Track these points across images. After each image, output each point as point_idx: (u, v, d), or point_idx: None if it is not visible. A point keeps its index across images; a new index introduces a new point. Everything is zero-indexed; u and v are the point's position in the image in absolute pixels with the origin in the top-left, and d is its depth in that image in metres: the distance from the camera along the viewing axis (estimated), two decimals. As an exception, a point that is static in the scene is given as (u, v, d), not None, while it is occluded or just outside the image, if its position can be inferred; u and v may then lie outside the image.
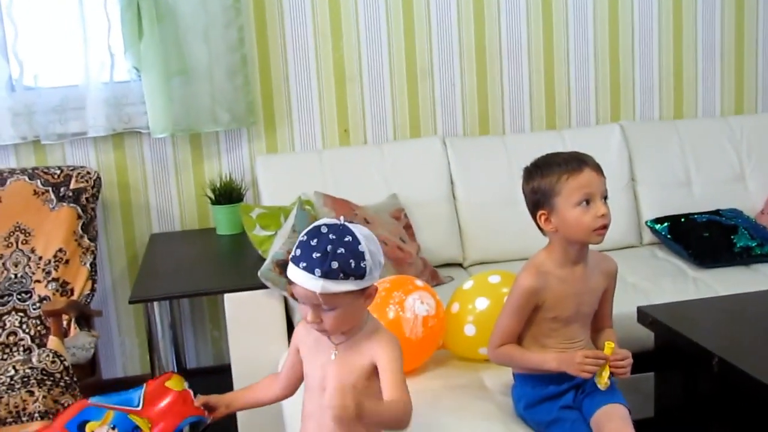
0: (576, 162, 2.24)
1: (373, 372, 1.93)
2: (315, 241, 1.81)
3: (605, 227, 2.23)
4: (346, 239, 1.82)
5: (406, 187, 3.63)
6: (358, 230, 1.85)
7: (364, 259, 1.82)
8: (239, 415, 2.98)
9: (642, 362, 2.65)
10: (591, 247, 2.32)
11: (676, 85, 4.16)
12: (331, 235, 1.82)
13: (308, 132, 3.88)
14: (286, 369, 2.11)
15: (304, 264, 1.80)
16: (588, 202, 2.21)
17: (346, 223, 1.86)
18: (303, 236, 1.84)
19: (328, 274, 1.79)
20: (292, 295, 2.89)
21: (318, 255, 1.79)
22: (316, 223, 1.86)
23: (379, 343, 1.93)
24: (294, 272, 1.83)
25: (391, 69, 3.89)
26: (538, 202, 2.29)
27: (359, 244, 1.83)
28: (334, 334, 1.92)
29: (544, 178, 2.27)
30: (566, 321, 2.31)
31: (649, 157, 3.86)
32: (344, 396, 1.74)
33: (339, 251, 1.80)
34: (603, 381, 2.24)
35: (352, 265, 1.81)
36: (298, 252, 1.83)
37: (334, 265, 1.79)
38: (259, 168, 3.69)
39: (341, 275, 1.80)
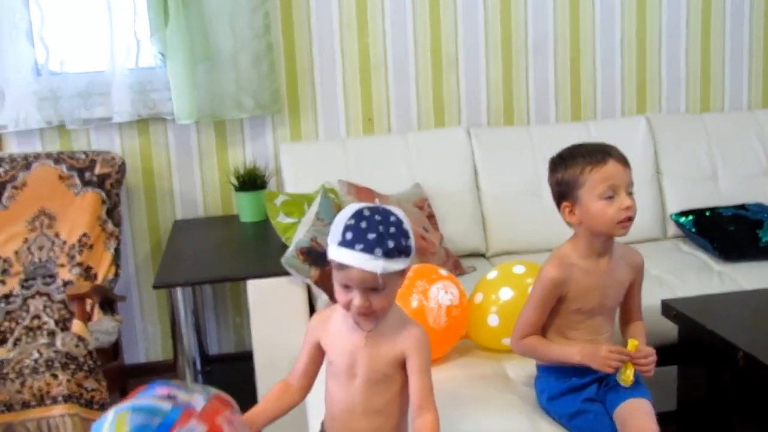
0: (601, 154, 2.22)
1: (402, 363, 1.93)
2: (364, 223, 1.80)
3: (630, 219, 2.21)
4: (392, 219, 1.83)
5: (430, 176, 3.62)
6: (396, 210, 1.87)
7: (410, 237, 1.85)
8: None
9: (665, 355, 2.64)
10: (617, 239, 2.31)
11: (703, 78, 4.13)
12: (377, 216, 1.81)
13: (332, 120, 3.88)
14: (303, 367, 2.05)
15: (362, 246, 1.78)
16: (612, 194, 2.19)
17: (384, 205, 1.88)
18: (348, 220, 1.81)
19: (388, 254, 1.79)
20: (316, 283, 2.90)
21: (373, 236, 1.79)
22: (354, 207, 1.85)
23: (412, 338, 1.94)
24: (349, 255, 1.80)
25: (416, 58, 3.88)
26: (562, 193, 2.28)
27: (403, 222, 1.85)
28: (380, 316, 1.91)
29: (568, 170, 2.26)
30: (590, 313, 2.30)
31: (674, 150, 3.84)
32: None
33: (391, 231, 1.81)
34: (627, 378, 2.23)
35: (404, 243, 1.83)
36: (349, 236, 1.80)
37: (391, 244, 1.80)
38: (283, 156, 3.69)
39: (397, 253, 1.81)
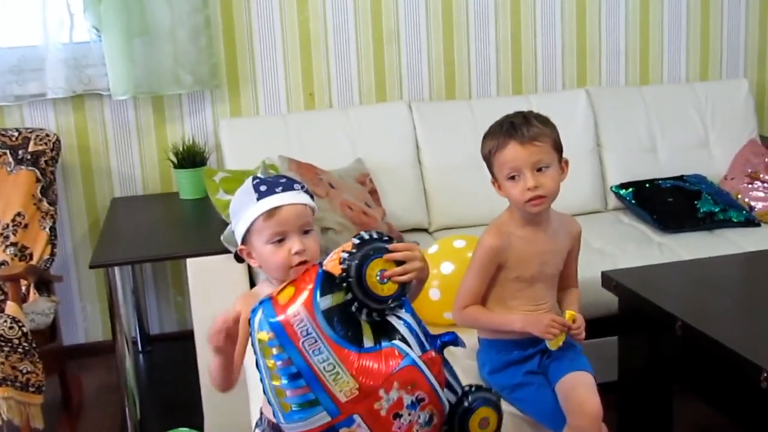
0: (504, 135, 2.23)
1: None
2: (270, 178, 1.85)
3: (538, 198, 2.22)
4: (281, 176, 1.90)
5: (372, 151, 3.61)
6: None
7: (305, 185, 1.89)
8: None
9: (606, 326, 2.67)
10: (555, 207, 2.33)
11: (642, 51, 4.16)
12: (270, 175, 1.89)
13: (273, 95, 3.83)
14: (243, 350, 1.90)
15: (281, 187, 1.81)
16: (516, 175, 2.21)
17: None
18: (254, 182, 1.84)
19: (303, 188, 1.85)
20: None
21: (283, 179, 1.84)
22: (246, 182, 1.87)
23: None
24: (277, 199, 1.80)
25: (357, 32, 3.85)
26: (488, 168, 2.32)
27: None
28: (314, 260, 1.84)
29: (483, 149, 2.30)
30: (530, 281, 2.31)
31: (614, 122, 3.87)
32: None
33: (290, 177, 1.89)
34: (557, 343, 2.26)
35: (305, 186, 1.88)
36: (264, 188, 1.82)
37: (298, 182, 1.86)
38: (222, 132, 3.64)
39: (308, 192, 1.86)
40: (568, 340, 2.30)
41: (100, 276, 3.65)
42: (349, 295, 1.70)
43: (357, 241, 1.73)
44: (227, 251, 2.93)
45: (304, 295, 1.67)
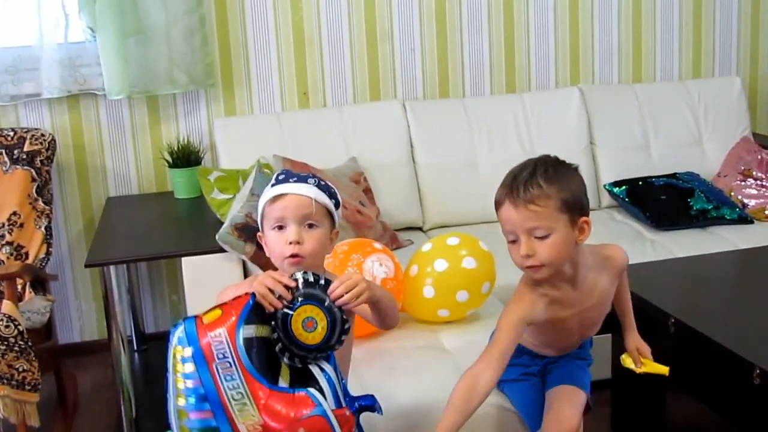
0: (505, 190, 1.97)
1: None
2: (293, 172, 1.92)
3: (534, 267, 1.96)
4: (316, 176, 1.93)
5: (366, 150, 3.62)
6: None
7: (336, 192, 1.93)
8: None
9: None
10: (592, 243, 2.11)
11: (635, 49, 4.17)
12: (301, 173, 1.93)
13: (267, 94, 3.84)
14: None
15: (295, 178, 1.89)
16: (515, 239, 1.97)
17: None
18: (279, 174, 1.91)
19: (319, 186, 1.89)
20: (252, 259, 2.88)
21: (304, 174, 1.91)
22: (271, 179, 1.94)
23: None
24: (285, 186, 1.87)
25: (351, 31, 3.86)
26: None
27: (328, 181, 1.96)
28: (309, 260, 1.84)
29: (495, 199, 2.03)
30: (569, 331, 2.18)
31: (607, 120, 3.88)
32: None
33: (319, 179, 1.91)
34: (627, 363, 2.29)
35: (332, 190, 1.92)
36: (282, 176, 1.90)
37: (322, 183, 1.90)
38: (217, 131, 3.65)
39: (327, 192, 1.90)
40: (580, 353, 2.30)
41: (96, 275, 3.66)
42: (275, 335, 1.69)
43: (291, 284, 1.72)
44: (222, 250, 2.94)
45: (230, 319, 1.68)
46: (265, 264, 1.99)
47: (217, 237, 2.92)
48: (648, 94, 3.98)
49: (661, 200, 3.59)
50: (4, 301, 2.94)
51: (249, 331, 1.66)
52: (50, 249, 3.36)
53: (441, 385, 2.38)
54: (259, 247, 2.02)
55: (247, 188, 3.12)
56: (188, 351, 1.64)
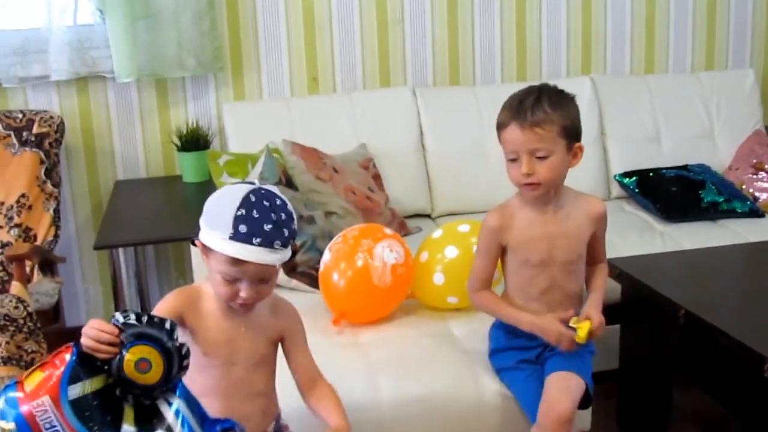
0: (510, 113, 2.17)
1: (278, 342, 1.90)
2: (255, 212, 1.70)
3: (531, 185, 2.17)
4: (278, 202, 1.74)
5: (375, 136, 3.60)
6: (276, 190, 1.77)
7: (294, 219, 1.76)
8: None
9: (609, 315, 2.66)
10: (574, 188, 2.31)
11: (648, 40, 4.14)
12: (265, 202, 1.71)
13: (276, 79, 3.82)
14: None
15: (260, 239, 1.69)
16: (515, 157, 2.17)
17: (263, 186, 1.77)
18: (238, 210, 1.69)
19: (285, 244, 1.72)
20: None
21: (270, 227, 1.70)
22: (237, 192, 1.73)
23: (290, 316, 1.92)
24: (245, 250, 1.69)
25: (362, 17, 3.84)
26: None
27: (288, 204, 1.77)
28: (258, 303, 1.82)
29: (497, 122, 2.23)
30: (541, 266, 2.27)
31: (619, 111, 3.86)
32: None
33: (284, 217, 1.72)
34: (581, 338, 2.20)
35: (294, 227, 1.75)
36: (243, 228, 1.68)
37: (286, 233, 1.72)
38: (226, 115, 3.63)
39: (291, 241, 1.74)
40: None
41: (103, 258, 3.65)
42: (111, 380, 1.54)
43: (114, 331, 1.53)
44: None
45: (51, 382, 1.49)
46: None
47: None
48: (660, 85, 3.96)
49: (672, 192, 3.57)
50: (13, 283, 2.94)
51: (76, 390, 1.49)
52: (58, 231, 3.35)
53: (449, 373, 2.39)
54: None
55: (257, 173, 3.11)
56: (11, 426, 1.48)
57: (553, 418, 2.16)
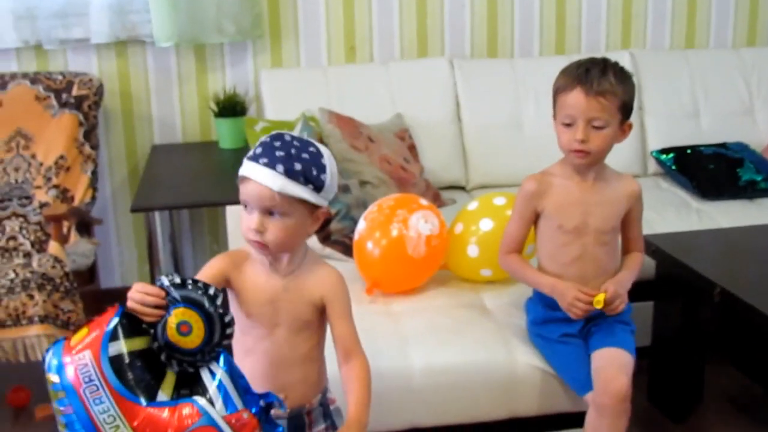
0: (575, 79, 2.21)
1: (322, 308, 1.86)
2: (278, 143, 1.74)
3: (581, 152, 2.22)
4: (311, 149, 1.76)
5: (412, 107, 3.59)
6: (323, 148, 1.79)
7: (324, 172, 1.76)
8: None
9: (642, 291, 2.66)
10: (613, 162, 2.34)
11: (689, 15, 4.09)
12: (295, 143, 1.75)
13: (314, 47, 3.82)
14: None
15: (265, 160, 1.71)
16: (570, 122, 2.21)
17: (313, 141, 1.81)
18: (265, 138, 1.76)
19: (289, 173, 1.71)
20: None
21: (281, 154, 1.72)
22: (280, 131, 1.79)
23: (330, 282, 1.87)
24: (251, 168, 1.73)
25: (401, -14, 3.83)
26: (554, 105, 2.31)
27: (322, 157, 1.77)
28: (274, 249, 1.78)
29: (555, 83, 2.28)
30: (575, 233, 2.29)
31: (657, 86, 3.82)
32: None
33: (303, 156, 1.73)
34: (599, 303, 2.23)
35: (314, 172, 1.74)
36: (259, 150, 1.74)
37: (297, 166, 1.72)
38: (263, 82, 3.64)
39: (302, 179, 1.73)
40: (620, 317, 2.30)
41: (138, 221, 3.68)
42: (156, 344, 1.57)
43: (161, 293, 1.58)
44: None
45: (93, 336, 1.54)
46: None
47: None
48: (700, 61, 3.91)
49: (709, 170, 3.54)
50: (51, 242, 2.98)
51: (116, 348, 1.53)
52: (95, 194, 3.38)
53: (481, 344, 2.40)
54: None
55: (293, 140, 3.12)
56: (56, 378, 1.53)
57: (614, 396, 2.18)
